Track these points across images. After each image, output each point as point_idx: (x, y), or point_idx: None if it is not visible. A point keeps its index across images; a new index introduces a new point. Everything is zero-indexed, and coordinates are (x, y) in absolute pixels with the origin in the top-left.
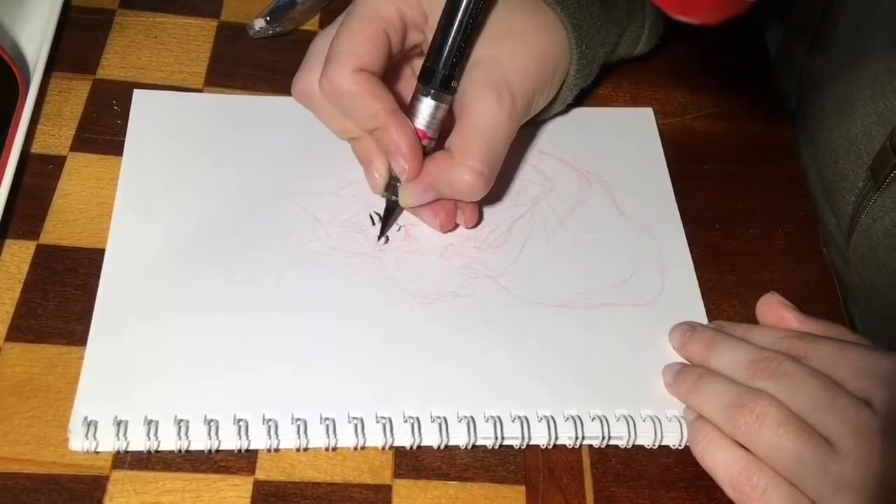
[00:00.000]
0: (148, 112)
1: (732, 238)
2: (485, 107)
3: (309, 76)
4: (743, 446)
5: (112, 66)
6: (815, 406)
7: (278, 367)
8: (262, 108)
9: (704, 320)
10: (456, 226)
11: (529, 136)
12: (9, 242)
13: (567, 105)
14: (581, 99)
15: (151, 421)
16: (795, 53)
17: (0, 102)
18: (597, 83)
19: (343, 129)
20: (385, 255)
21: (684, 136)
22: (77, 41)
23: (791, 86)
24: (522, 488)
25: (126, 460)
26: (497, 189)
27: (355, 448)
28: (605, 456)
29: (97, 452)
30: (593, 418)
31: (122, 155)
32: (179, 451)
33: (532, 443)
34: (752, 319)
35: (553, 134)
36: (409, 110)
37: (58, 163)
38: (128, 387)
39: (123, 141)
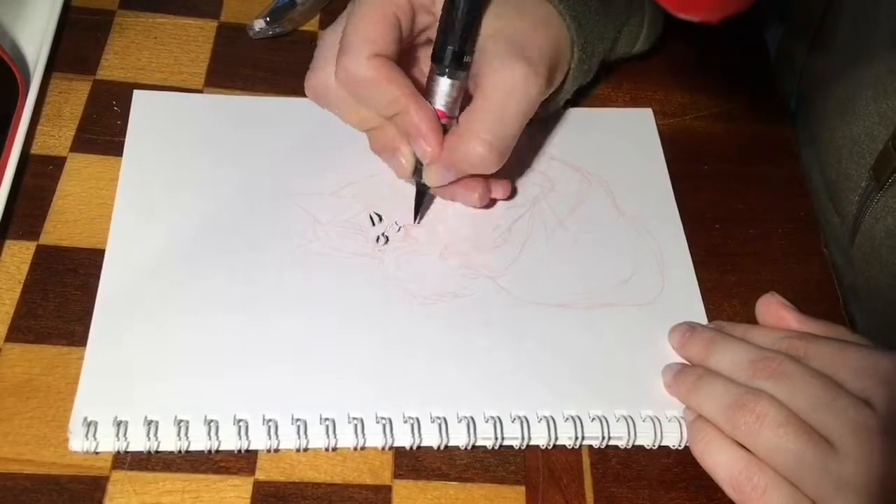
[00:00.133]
0: (148, 113)
1: (732, 238)
2: (497, 77)
3: (322, 72)
4: (743, 446)
5: (112, 67)
6: (815, 406)
7: (278, 368)
8: (262, 108)
9: (704, 320)
10: (493, 201)
11: (529, 136)
12: (9, 243)
13: (566, 104)
14: (581, 99)
15: (151, 421)
16: (795, 53)
17: (0, 103)
18: (596, 83)
19: (361, 120)
20: (385, 256)
21: (684, 137)
22: (77, 42)
23: (791, 86)
24: (522, 489)
25: (126, 461)
26: None
27: (355, 448)
28: (605, 456)
29: (97, 453)
30: (593, 418)
31: (122, 155)
32: (179, 451)
33: (532, 443)
34: (752, 319)
35: (553, 134)
36: (425, 92)
37: (58, 163)
38: (128, 387)
39: (123, 141)
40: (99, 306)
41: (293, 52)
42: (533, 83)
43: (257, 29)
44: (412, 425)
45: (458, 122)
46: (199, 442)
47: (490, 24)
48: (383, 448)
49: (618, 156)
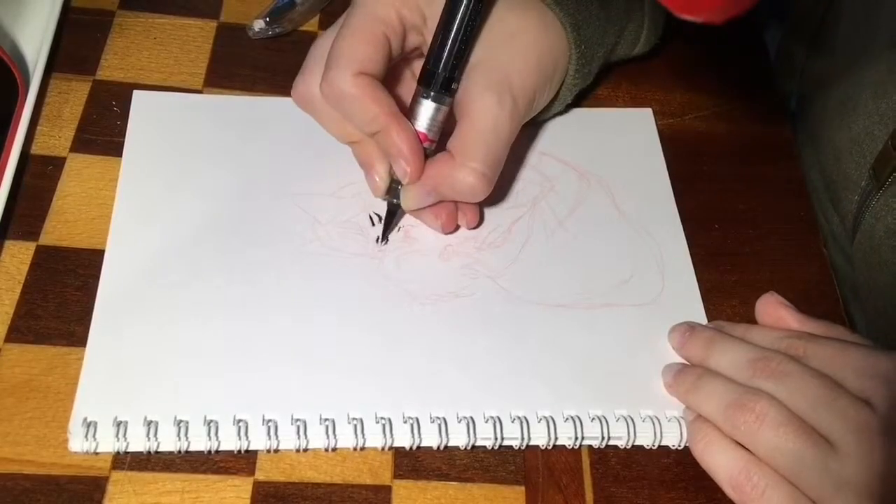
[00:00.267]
0: (147, 113)
1: (732, 238)
2: (485, 107)
3: (309, 80)
4: (743, 446)
5: (112, 67)
6: (815, 406)
7: (278, 368)
8: (262, 108)
9: (704, 320)
10: (457, 227)
11: (529, 136)
12: (9, 243)
13: (566, 105)
14: (580, 99)
15: (151, 422)
16: (795, 54)
17: (0, 103)
18: (596, 83)
19: (344, 133)
20: (385, 256)
21: (684, 137)
22: (77, 42)
23: (791, 86)
24: (522, 489)
25: (126, 461)
26: (497, 189)
27: (355, 448)
28: (605, 456)
29: (97, 453)
30: (593, 419)
31: (121, 156)
32: (179, 451)
33: (532, 443)
34: (752, 319)
35: (553, 134)
36: (409, 113)
37: (57, 164)
38: (128, 387)
39: (123, 142)
40: (99, 306)
41: (293, 53)
42: (514, 117)
43: (257, 29)
44: (412, 425)
45: (436, 145)
46: (198, 442)
47: (479, 49)
48: (383, 448)
49: (618, 156)
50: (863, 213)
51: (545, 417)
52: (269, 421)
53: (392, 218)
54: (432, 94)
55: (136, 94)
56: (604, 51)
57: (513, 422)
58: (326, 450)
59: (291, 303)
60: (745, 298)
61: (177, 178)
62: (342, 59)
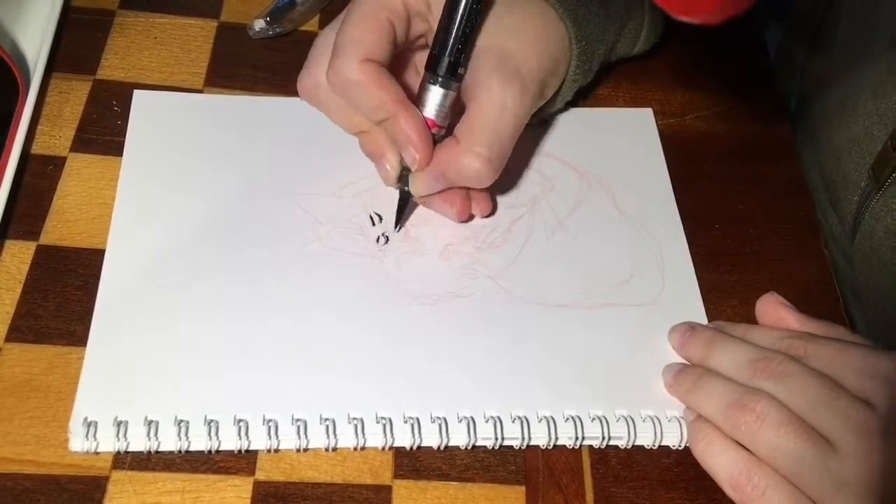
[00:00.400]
0: (148, 113)
1: (732, 238)
2: (492, 92)
3: (314, 72)
4: (743, 446)
5: (112, 67)
6: (816, 406)
7: (278, 368)
8: (262, 108)
9: (704, 320)
10: (471, 216)
11: (529, 136)
12: (9, 243)
13: (566, 104)
14: (581, 99)
15: (151, 421)
16: (795, 54)
17: (0, 103)
18: (596, 83)
19: (351, 123)
20: (385, 256)
21: (684, 136)
22: (77, 42)
23: (791, 86)
24: (522, 489)
25: (126, 461)
26: (497, 189)
27: (355, 448)
28: (605, 456)
29: (97, 453)
30: (593, 419)
31: (122, 155)
32: (179, 451)
33: (532, 443)
34: (752, 319)
35: (553, 134)
36: (417, 100)
37: (58, 163)
38: (128, 387)
39: (123, 141)
40: (99, 306)
41: (293, 52)
42: (524, 102)
43: (257, 29)
44: (412, 425)
45: (447, 131)
46: (199, 442)
47: (486, 38)
48: (383, 448)
49: (618, 156)
50: (862, 214)
51: (545, 417)
52: (270, 421)
53: (405, 206)
54: (439, 79)
55: (137, 93)
56: (604, 48)
57: (513, 422)
58: (327, 450)
59: (292, 303)
60: (745, 298)
61: (177, 178)
62: (348, 46)
